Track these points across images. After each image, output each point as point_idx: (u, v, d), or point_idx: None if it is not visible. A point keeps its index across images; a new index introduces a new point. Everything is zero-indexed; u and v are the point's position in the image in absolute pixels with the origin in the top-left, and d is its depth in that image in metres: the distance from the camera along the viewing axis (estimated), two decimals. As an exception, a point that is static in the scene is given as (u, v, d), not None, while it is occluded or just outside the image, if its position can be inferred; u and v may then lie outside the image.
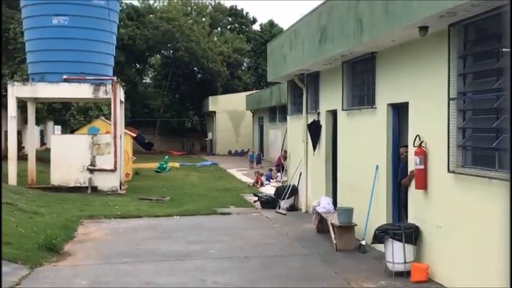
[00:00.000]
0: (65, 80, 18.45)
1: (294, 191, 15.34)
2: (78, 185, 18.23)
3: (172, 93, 44.76)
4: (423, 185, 8.48)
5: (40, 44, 19.02)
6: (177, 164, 29.68)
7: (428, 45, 8.27)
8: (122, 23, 27.57)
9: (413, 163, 8.72)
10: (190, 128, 44.11)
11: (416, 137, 8.64)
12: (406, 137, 9.35)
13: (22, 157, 20.27)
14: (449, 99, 7.66)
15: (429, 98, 8.34)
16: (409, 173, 9.01)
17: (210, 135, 43.78)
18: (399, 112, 9.82)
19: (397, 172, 9.75)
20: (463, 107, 7.63)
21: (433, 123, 8.19)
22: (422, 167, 8.44)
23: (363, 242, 10.12)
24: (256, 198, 16.70)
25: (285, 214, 14.55)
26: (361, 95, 11.43)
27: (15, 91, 18.60)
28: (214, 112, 42.33)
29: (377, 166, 10.22)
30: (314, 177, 14.42)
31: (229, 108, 41.65)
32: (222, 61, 44.62)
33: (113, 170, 18.50)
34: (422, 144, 8.48)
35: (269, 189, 18.04)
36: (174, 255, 10.01)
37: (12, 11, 26.58)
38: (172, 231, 12.27)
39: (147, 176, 23.99)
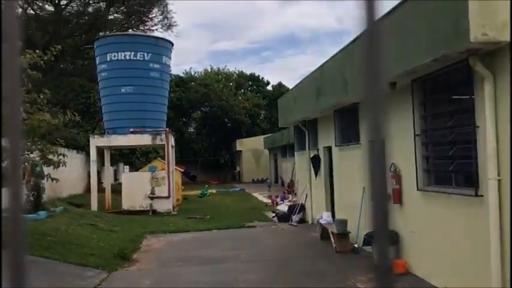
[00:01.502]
0: (131, 132, 18.71)
1: (302, 208, 15.20)
2: (142, 208, 18.27)
3: (209, 138, 45.01)
4: (399, 200, 8.37)
5: (113, 106, 19.37)
6: (214, 191, 29.64)
7: (397, 95, 8.28)
8: (171, 89, 28.00)
9: (390, 184, 8.63)
10: (223, 163, 44.07)
11: (391, 165, 8.57)
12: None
13: (101, 190, 20.46)
14: (415, 135, 7.62)
15: (400, 134, 8.31)
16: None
17: (238, 168, 43.75)
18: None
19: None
20: (425, 140, 7.58)
21: (404, 154, 8.13)
22: (397, 186, 8.35)
23: (356, 245, 9.95)
24: (274, 214, 16.56)
25: (296, 226, 14.40)
26: (349, 135, 11.43)
27: (95, 141, 18.90)
28: (241, 151, 42.39)
29: (363, 187, 10.11)
30: (317, 197, 14.30)
31: (251, 148, 41.65)
32: (245, 113, 44.91)
33: (167, 197, 18.53)
34: (397, 170, 8.41)
35: (283, 207, 17.88)
36: (213, 259, 9.94)
37: (92, 84, 27.19)
38: (212, 242, 12.20)
39: (193, 201, 24.01)
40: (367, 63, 0.77)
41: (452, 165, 6.74)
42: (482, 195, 5.81)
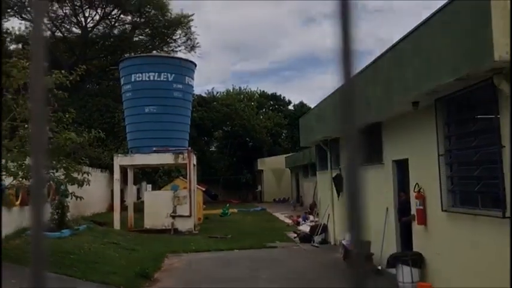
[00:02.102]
0: (154, 151, 18.89)
1: (325, 229, 15.03)
2: (164, 227, 18.32)
3: (231, 157, 45.16)
4: (423, 221, 8.22)
5: (136, 126, 19.66)
6: (235, 210, 29.55)
7: (420, 115, 8.21)
8: (194, 109, 28.31)
9: (414, 205, 8.49)
10: (245, 182, 44.00)
11: (415, 185, 8.45)
12: (405, 183, 9.15)
13: (124, 208, 20.62)
14: (438, 155, 7.51)
15: (424, 154, 8.20)
16: (411, 215, 8.75)
17: (259, 187, 43.67)
18: (401, 166, 9.66)
19: (400, 211, 9.49)
20: (450, 161, 7.46)
21: (428, 174, 8.02)
22: (421, 207, 8.21)
23: (379, 267, 9.77)
24: (295, 235, 16.41)
25: (318, 247, 14.22)
26: (372, 154, 11.32)
27: (119, 160, 19.15)
28: (262, 170, 42.38)
29: (387, 208, 9.97)
30: (339, 217, 14.14)
31: (273, 167, 41.59)
32: (267, 133, 45.03)
33: (189, 216, 18.56)
34: (421, 190, 8.28)
35: (305, 228, 17.70)
36: (235, 279, 9.87)
37: (116, 103, 27.71)
38: (233, 261, 12.14)
39: (214, 220, 23.99)
40: (344, 114, 0.87)
41: (478, 185, 6.60)
42: (509, 217, 5.66)
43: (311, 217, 20.96)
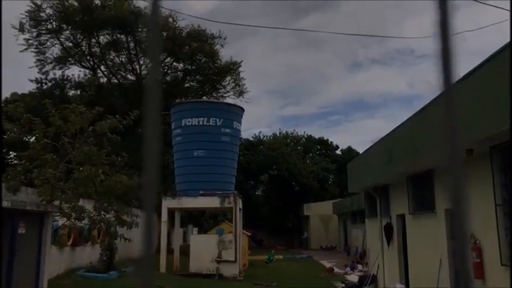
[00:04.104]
0: (201, 195, 19.10)
1: (374, 279, 14.45)
2: (209, 272, 18.18)
3: (276, 202, 44.88)
4: (480, 275, 7.75)
5: (184, 169, 20.06)
6: (281, 257, 28.99)
7: (475, 163, 7.92)
8: (241, 153, 28.65)
9: (470, 257, 8.05)
10: (291, 228, 43.38)
11: (471, 236, 8.04)
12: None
13: (170, 251, 20.74)
14: (496, 205, 7.17)
15: (479, 204, 7.85)
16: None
17: (305, 234, 42.89)
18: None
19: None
20: (508, 211, 7.09)
21: (484, 224, 7.63)
22: (478, 260, 7.77)
23: (433, 323, 9.22)
24: (343, 285, 15.84)
25: (367, 298, 13.65)
26: (423, 203, 10.95)
27: (167, 203, 19.44)
28: (309, 216, 41.73)
29: (440, 260, 9.50)
30: (389, 267, 13.58)
31: (319, 213, 40.89)
32: (313, 177, 44.63)
33: (234, 261, 18.39)
34: (477, 242, 7.86)
35: (353, 278, 17.05)
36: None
37: (166, 147, 28.48)
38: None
39: (259, 266, 23.59)
40: (444, 126, 0.81)
41: (540, 238, 6.21)
42: None
43: (359, 266, 20.26)
